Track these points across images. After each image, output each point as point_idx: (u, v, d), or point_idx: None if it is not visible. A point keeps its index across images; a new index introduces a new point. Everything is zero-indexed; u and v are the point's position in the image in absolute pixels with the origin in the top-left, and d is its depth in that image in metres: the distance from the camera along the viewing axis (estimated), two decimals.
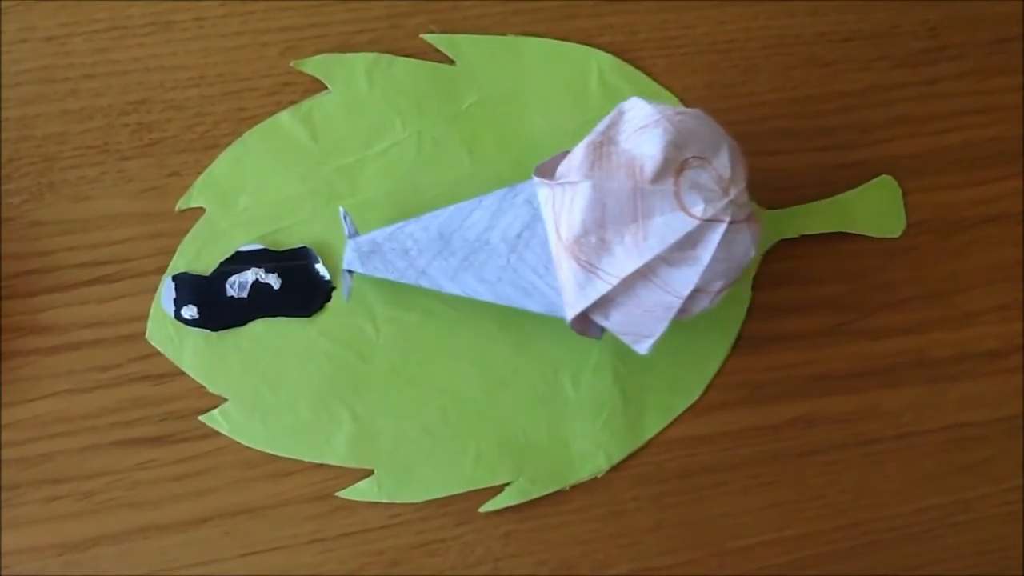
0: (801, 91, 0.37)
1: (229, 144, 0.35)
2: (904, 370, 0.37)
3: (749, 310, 0.36)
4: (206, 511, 0.34)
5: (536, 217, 0.31)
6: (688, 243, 0.28)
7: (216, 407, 0.34)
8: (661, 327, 0.29)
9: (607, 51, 0.36)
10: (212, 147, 0.35)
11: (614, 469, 0.35)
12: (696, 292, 0.29)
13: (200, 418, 0.34)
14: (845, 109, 0.37)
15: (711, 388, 0.36)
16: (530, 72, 0.36)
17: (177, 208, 0.34)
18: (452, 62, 0.36)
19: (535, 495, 0.35)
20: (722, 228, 0.28)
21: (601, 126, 0.29)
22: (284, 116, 0.35)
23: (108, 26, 0.35)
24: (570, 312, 0.29)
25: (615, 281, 0.28)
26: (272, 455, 0.34)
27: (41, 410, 0.34)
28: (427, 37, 0.36)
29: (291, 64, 0.35)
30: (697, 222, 0.27)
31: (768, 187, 0.37)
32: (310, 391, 0.34)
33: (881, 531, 0.37)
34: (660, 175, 0.28)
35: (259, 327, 0.34)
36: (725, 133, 0.29)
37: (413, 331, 0.35)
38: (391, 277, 0.32)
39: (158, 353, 0.34)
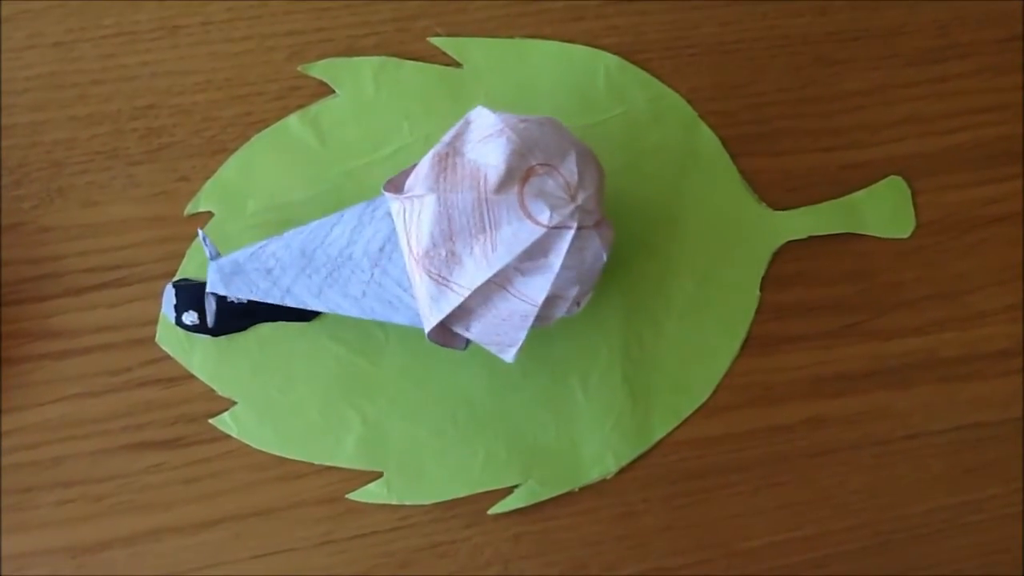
0: (809, 91, 0.37)
1: (237, 148, 0.35)
2: (914, 370, 0.37)
3: (758, 311, 0.36)
4: (216, 514, 0.34)
5: (396, 231, 0.31)
6: (538, 251, 0.28)
7: (226, 410, 0.34)
8: (521, 335, 0.29)
9: (614, 53, 0.36)
10: (220, 151, 0.35)
11: (623, 471, 0.35)
12: (552, 299, 0.29)
13: (210, 421, 0.34)
14: (854, 109, 0.37)
15: (720, 389, 0.36)
16: (537, 74, 0.36)
17: (186, 213, 0.35)
18: (459, 65, 0.36)
19: (544, 497, 0.35)
20: (570, 235, 0.28)
21: (447, 137, 0.29)
22: (292, 120, 0.35)
23: (115, 32, 0.35)
24: (427, 325, 0.29)
25: (466, 293, 0.28)
26: (282, 458, 0.34)
27: (52, 414, 0.34)
28: (434, 40, 0.36)
29: (298, 68, 0.35)
30: (544, 230, 0.27)
31: (776, 188, 0.37)
32: (319, 394, 0.34)
33: (892, 531, 0.37)
34: (504, 184, 0.27)
35: (267, 330, 0.34)
36: (575, 139, 0.29)
37: (422, 334, 0.35)
38: (256, 297, 0.32)
39: (168, 357, 0.34)
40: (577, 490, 0.35)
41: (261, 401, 0.34)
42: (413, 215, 0.28)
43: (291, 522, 0.34)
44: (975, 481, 0.37)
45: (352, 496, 0.34)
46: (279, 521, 0.34)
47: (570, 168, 0.28)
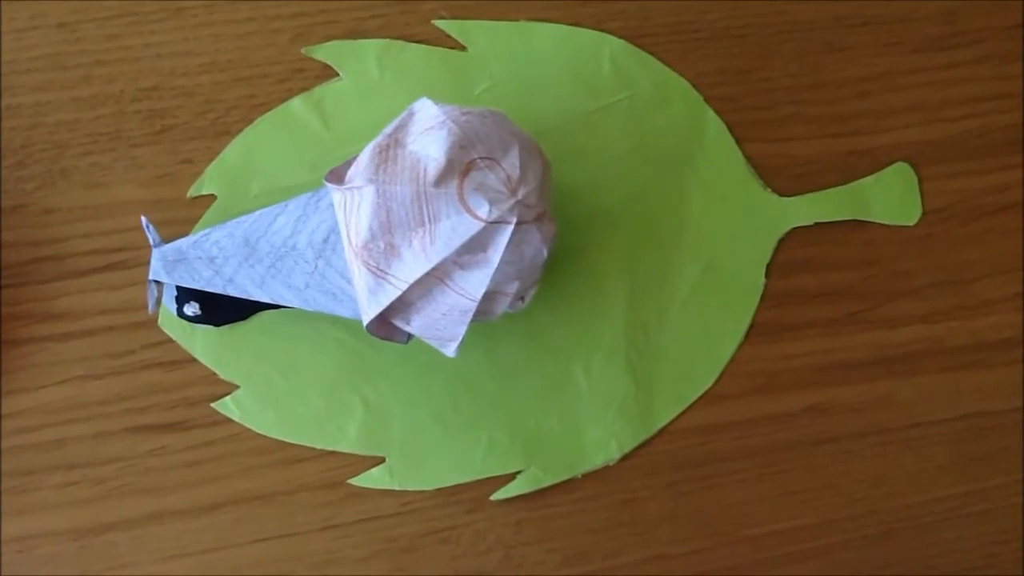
0: (816, 77, 0.37)
1: (240, 131, 0.35)
2: (919, 359, 0.37)
3: (762, 298, 0.36)
4: (218, 497, 0.34)
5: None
6: (477, 245, 0.27)
7: (228, 394, 0.34)
8: (461, 330, 0.29)
9: (620, 36, 0.36)
10: (223, 134, 0.35)
11: (625, 457, 0.35)
12: (492, 294, 0.29)
13: (212, 405, 0.34)
14: (861, 95, 0.37)
15: (724, 376, 0.36)
16: (542, 58, 0.35)
17: (189, 195, 0.34)
18: (464, 48, 0.35)
19: (547, 483, 0.35)
20: (509, 230, 0.27)
21: (389, 128, 0.29)
22: (295, 103, 0.35)
23: (119, 12, 0.34)
24: (365, 318, 0.29)
25: (404, 286, 0.28)
26: (284, 442, 0.34)
27: (54, 396, 0.34)
28: (438, 23, 0.35)
29: (302, 51, 0.35)
30: (482, 224, 0.27)
31: (782, 174, 0.36)
32: (322, 379, 0.34)
33: (895, 520, 0.37)
34: (443, 178, 0.27)
35: (270, 315, 0.34)
36: (520, 132, 0.29)
37: None
38: (198, 286, 0.32)
39: (170, 340, 0.34)
40: (580, 476, 0.35)
41: (263, 385, 0.34)
42: (353, 206, 0.28)
43: (293, 506, 0.34)
44: (979, 471, 0.37)
45: (354, 481, 0.34)
46: (281, 505, 0.34)
47: (512, 162, 0.28)
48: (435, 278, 0.28)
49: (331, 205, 0.30)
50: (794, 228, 0.36)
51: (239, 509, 0.34)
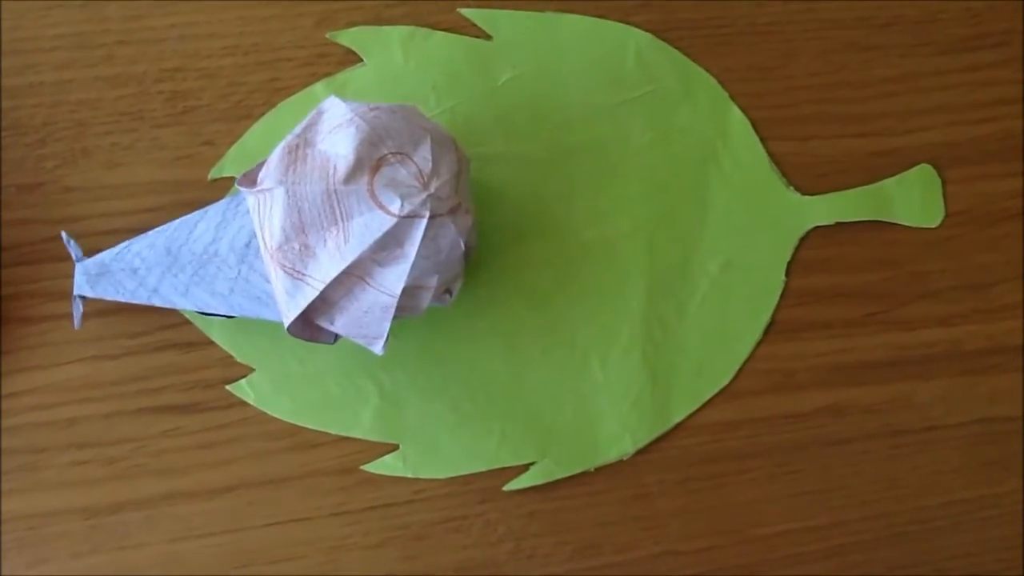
0: (840, 76, 0.37)
1: (263, 114, 0.35)
2: (936, 362, 0.37)
3: (782, 296, 0.36)
4: (231, 480, 0.34)
5: None
6: (392, 241, 0.27)
7: (243, 377, 0.34)
8: (385, 327, 0.29)
9: (645, 30, 0.36)
10: (245, 117, 0.35)
11: (639, 452, 0.35)
12: (413, 289, 0.29)
13: (227, 388, 0.34)
14: (885, 95, 0.37)
15: (741, 374, 0.36)
16: (567, 49, 0.35)
17: (209, 177, 0.34)
18: (488, 37, 0.35)
19: (560, 476, 0.35)
20: (423, 224, 0.27)
21: (299, 128, 0.29)
22: (318, 88, 0.35)
23: None
24: (285, 320, 0.29)
25: (321, 286, 0.28)
26: (298, 426, 0.34)
27: (69, 375, 0.34)
28: (464, 11, 0.35)
29: (326, 35, 0.35)
30: (395, 219, 0.27)
31: (804, 173, 0.36)
32: (338, 365, 0.34)
33: (907, 523, 0.36)
34: (353, 175, 0.27)
35: None
36: (433, 125, 0.29)
37: (441, 308, 0.34)
38: (123, 298, 0.31)
39: (187, 322, 0.34)
40: (593, 470, 0.35)
41: (279, 369, 0.34)
42: (266, 209, 0.28)
43: (305, 491, 0.34)
44: (993, 475, 0.37)
45: (367, 468, 0.34)
46: (293, 490, 0.34)
47: (424, 156, 0.28)
48: (354, 276, 0.28)
49: (248, 210, 0.30)
50: (815, 227, 0.36)
51: (251, 492, 0.34)
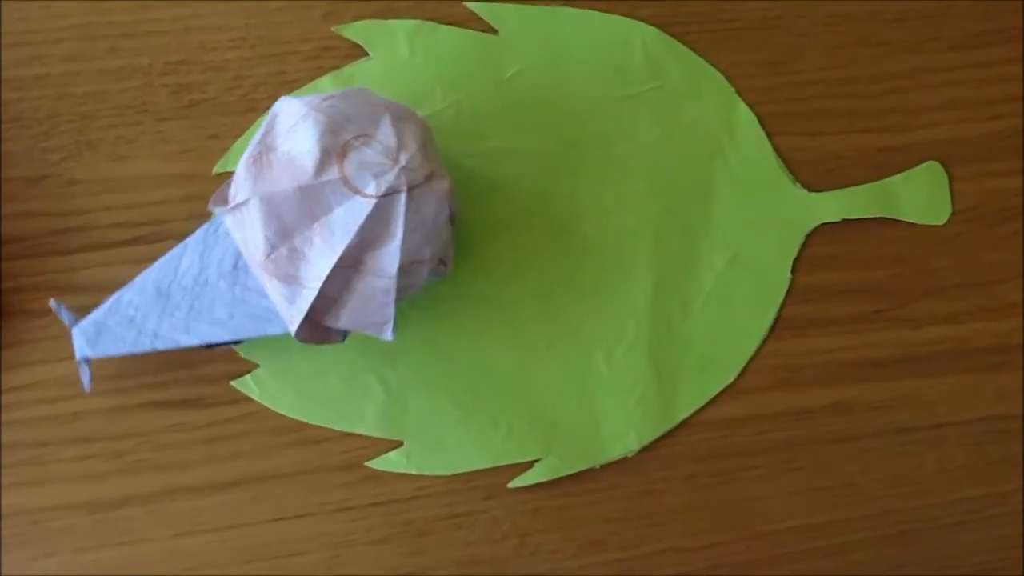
0: (849, 71, 0.36)
1: (268, 108, 0.34)
2: (943, 359, 0.36)
3: (788, 293, 0.36)
4: (235, 475, 0.34)
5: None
6: (377, 223, 0.27)
7: (248, 372, 0.34)
8: (389, 312, 0.29)
9: (652, 24, 0.35)
10: (251, 110, 0.34)
11: (644, 449, 0.35)
12: (408, 265, 0.28)
13: (232, 383, 0.34)
14: (894, 91, 0.37)
15: (747, 371, 0.36)
16: (573, 44, 0.35)
17: (215, 171, 0.34)
18: (495, 31, 0.35)
19: (564, 472, 0.35)
20: (403, 198, 0.27)
21: (257, 136, 0.28)
22: (324, 81, 0.34)
23: None
24: (291, 327, 0.29)
25: (318, 285, 0.28)
26: (302, 422, 0.34)
27: (73, 369, 0.34)
28: (470, 5, 0.35)
29: (333, 29, 0.35)
30: (374, 200, 0.27)
31: (812, 168, 0.36)
32: (342, 361, 0.34)
33: (913, 521, 0.36)
34: (322, 167, 0.27)
35: None
36: (388, 102, 0.29)
37: (446, 304, 0.34)
38: (127, 351, 0.31)
39: None
40: (598, 467, 0.35)
41: (283, 365, 0.34)
42: (245, 224, 0.28)
43: (309, 487, 0.34)
44: (1000, 473, 0.37)
45: (372, 464, 0.34)
46: (297, 485, 0.34)
47: (386, 131, 0.28)
48: (348, 268, 0.28)
49: (228, 232, 0.30)
50: (822, 224, 0.36)
51: (256, 488, 0.34)
